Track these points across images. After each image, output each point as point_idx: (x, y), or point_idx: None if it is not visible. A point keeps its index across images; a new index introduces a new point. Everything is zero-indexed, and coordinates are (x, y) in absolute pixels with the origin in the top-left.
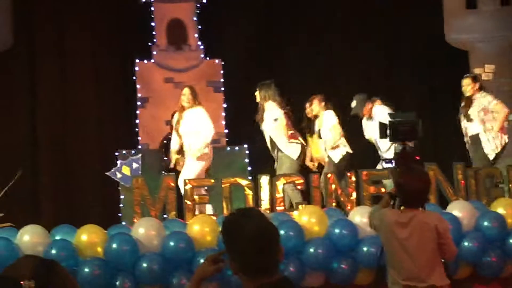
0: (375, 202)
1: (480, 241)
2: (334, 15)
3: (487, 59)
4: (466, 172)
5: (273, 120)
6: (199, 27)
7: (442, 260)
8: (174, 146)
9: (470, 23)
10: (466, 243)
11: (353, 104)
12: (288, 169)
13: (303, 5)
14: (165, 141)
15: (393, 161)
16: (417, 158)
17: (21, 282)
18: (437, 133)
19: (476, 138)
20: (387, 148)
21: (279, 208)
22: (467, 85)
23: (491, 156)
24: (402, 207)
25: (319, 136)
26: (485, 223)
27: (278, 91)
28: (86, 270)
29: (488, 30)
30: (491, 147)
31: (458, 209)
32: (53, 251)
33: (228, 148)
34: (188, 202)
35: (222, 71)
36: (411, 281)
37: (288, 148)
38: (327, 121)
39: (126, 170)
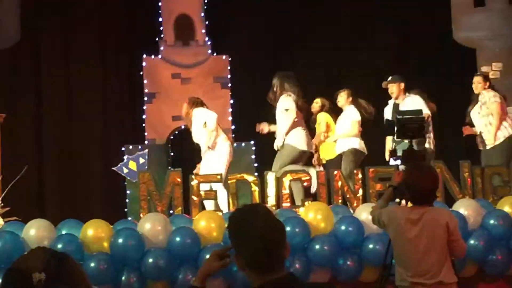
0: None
1: (486, 239)
2: (343, 13)
3: (495, 57)
4: (472, 170)
5: (283, 110)
6: (207, 22)
7: (452, 259)
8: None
9: (478, 21)
10: (472, 241)
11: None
12: (286, 156)
13: (313, 1)
14: (172, 137)
15: (400, 159)
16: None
17: (32, 274)
18: (444, 131)
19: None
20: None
21: (285, 204)
22: (478, 83)
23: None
24: (409, 204)
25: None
26: (491, 222)
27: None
28: (92, 264)
29: (496, 28)
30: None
31: (464, 207)
32: (59, 246)
33: (235, 144)
34: (195, 198)
35: (229, 67)
36: (419, 278)
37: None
38: (350, 115)
39: (132, 165)
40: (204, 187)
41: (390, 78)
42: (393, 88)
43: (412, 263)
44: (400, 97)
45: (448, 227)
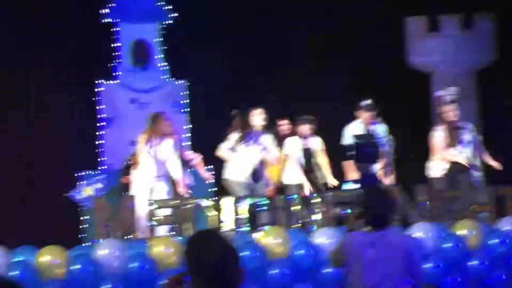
0: (339, 223)
1: (442, 262)
2: (299, 38)
3: (449, 82)
4: (428, 194)
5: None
6: (164, 47)
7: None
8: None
9: (432, 46)
10: (428, 265)
11: (363, 103)
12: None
13: (268, 26)
14: (129, 161)
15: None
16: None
17: None
18: (401, 155)
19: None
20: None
21: (242, 229)
22: (453, 110)
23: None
24: (368, 228)
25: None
26: (448, 245)
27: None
28: None
29: (450, 53)
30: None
31: (421, 230)
32: (15, 272)
33: (192, 169)
34: (152, 223)
35: (186, 92)
36: None
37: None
38: (319, 145)
39: (89, 191)
40: (162, 212)
41: (370, 101)
42: (372, 113)
43: (371, 287)
44: (370, 124)
45: (405, 248)
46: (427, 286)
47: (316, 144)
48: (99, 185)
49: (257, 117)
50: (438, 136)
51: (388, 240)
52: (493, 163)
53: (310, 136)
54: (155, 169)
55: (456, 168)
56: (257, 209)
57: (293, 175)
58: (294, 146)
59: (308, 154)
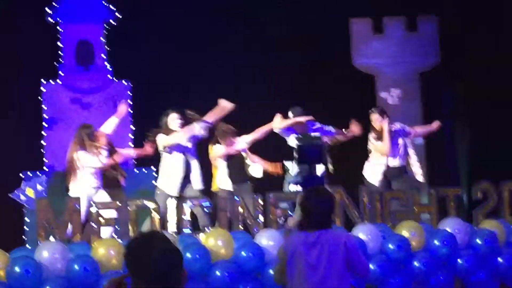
0: (281, 225)
1: (385, 263)
2: (244, 40)
3: (393, 83)
4: (371, 195)
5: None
6: (107, 48)
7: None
8: None
9: (377, 48)
10: (371, 266)
11: (290, 115)
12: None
13: (214, 27)
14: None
15: (300, 184)
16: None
17: None
18: (345, 156)
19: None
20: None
21: (186, 230)
22: (377, 120)
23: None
24: (309, 229)
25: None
26: (390, 246)
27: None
28: None
29: (394, 55)
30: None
31: (363, 231)
32: None
33: (136, 170)
34: (94, 225)
35: (130, 93)
36: None
37: None
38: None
39: (30, 192)
40: (105, 213)
41: (298, 110)
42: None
43: (312, 287)
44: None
45: (347, 245)
46: (370, 287)
47: (241, 145)
48: (39, 187)
49: (173, 122)
50: (373, 140)
51: (328, 239)
52: (433, 125)
53: (234, 140)
54: (94, 180)
55: (392, 173)
56: (200, 210)
57: (224, 181)
58: (219, 152)
59: (237, 158)
